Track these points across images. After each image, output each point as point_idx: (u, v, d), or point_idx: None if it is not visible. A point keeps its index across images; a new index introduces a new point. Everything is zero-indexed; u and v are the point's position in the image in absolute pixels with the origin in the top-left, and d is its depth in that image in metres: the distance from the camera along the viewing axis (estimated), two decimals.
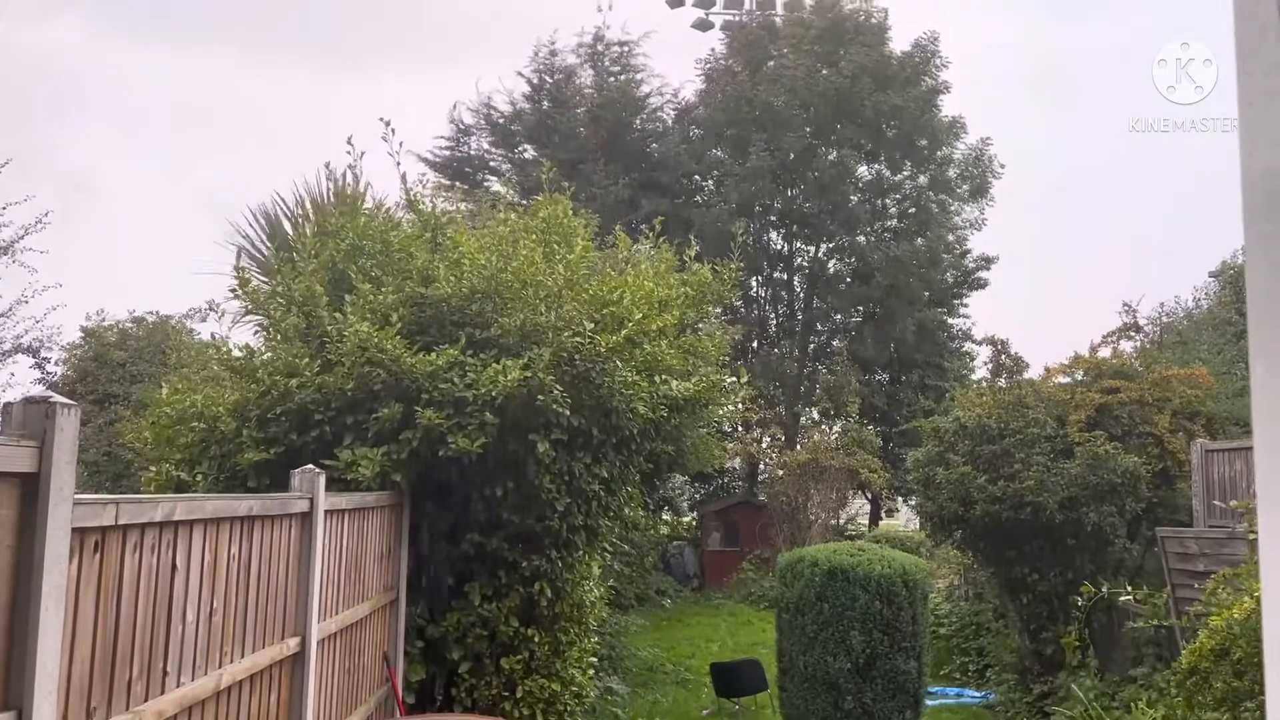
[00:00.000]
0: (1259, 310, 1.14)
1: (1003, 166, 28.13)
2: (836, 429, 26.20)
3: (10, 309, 11.24)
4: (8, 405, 2.59)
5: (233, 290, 7.98)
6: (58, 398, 2.64)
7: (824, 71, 26.13)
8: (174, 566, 3.45)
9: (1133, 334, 14.76)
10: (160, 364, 16.16)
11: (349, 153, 8.93)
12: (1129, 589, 10.28)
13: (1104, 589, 10.08)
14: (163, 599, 3.37)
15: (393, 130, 8.81)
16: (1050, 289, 53.23)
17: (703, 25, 30.69)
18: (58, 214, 11.04)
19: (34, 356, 12.69)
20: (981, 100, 58.47)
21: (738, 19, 29.93)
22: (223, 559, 3.91)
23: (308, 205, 9.87)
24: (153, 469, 7.62)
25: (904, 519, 27.61)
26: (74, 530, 2.69)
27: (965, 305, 29.56)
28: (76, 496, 2.68)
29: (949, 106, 27.72)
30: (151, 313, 18.79)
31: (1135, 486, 11.91)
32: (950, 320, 29.19)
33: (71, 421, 2.65)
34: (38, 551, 2.50)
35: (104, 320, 18.24)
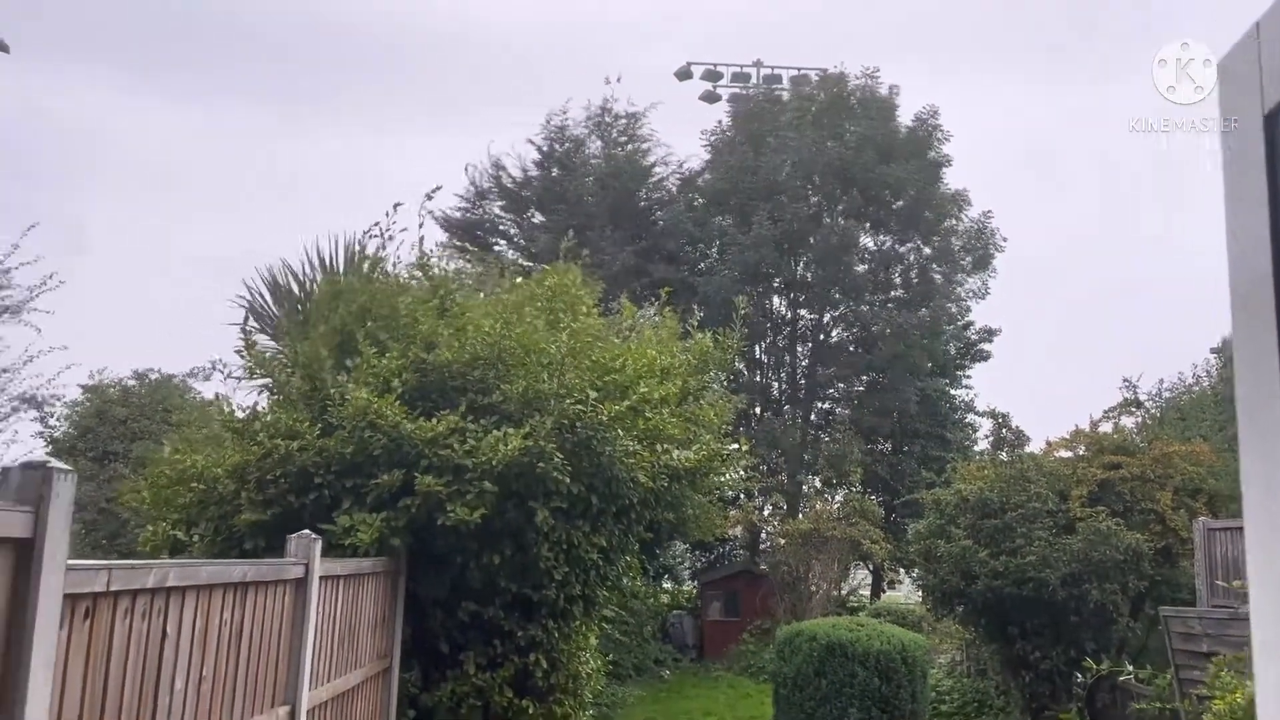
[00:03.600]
0: (1247, 403, 1.16)
1: (1005, 239, 28.38)
2: (839, 498, 26.02)
3: (17, 366, 11.28)
4: (6, 470, 2.59)
5: (238, 351, 8.03)
6: (55, 463, 2.65)
7: (829, 144, 26.51)
8: (164, 633, 3.42)
9: (1134, 409, 14.75)
10: (162, 422, 16.17)
11: (379, 223, 8.96)
12: (1131, 668, 10.12)
13: (1104, 666, 9.93)
14: (152, 666, 3.34)
15: (430, 196, 8.93)
16: (1052, 362, 53.27)
17: (710, 98, 31.28)
18: (65, 272, 11.13)
19: (38, 410, 12.73)
20: (988, 172, 59.18)
21: (744, 92, 30.51)
22: (214, 625, 3.87)
23: (317, 268, 9.96)
24: (150, 528, 7.57)
25: (905, 592, 27.28)
26: (66, 597, 2.68)
27: (968, 376, 29.60)
28: (69, 562, 2.67)
29: (954, 178, 28.10)
30: (154, 370, 18.85)
31: (1138, 564, 11.80)
32: (953, 391, 29.19)
33: (67, 487, 2.65)
34: (29, 619, 2.48)
35: (105, 377, 18.29)
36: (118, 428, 17.01)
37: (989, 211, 28.39)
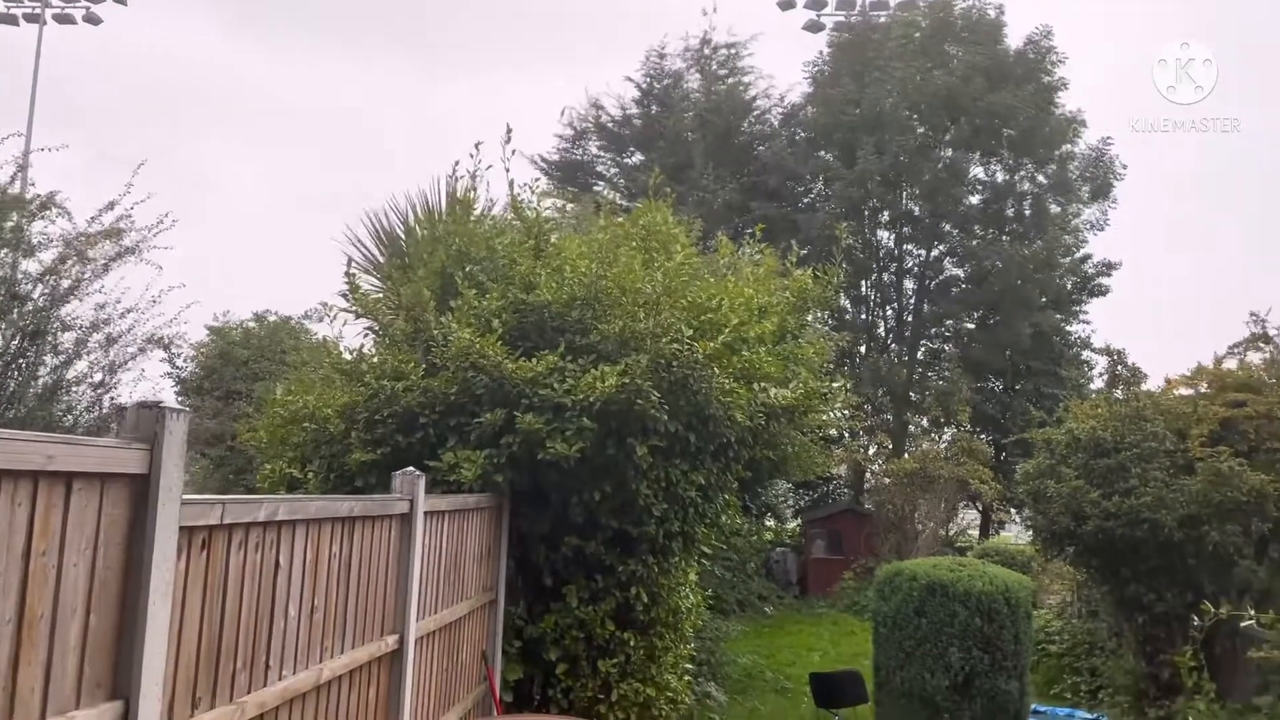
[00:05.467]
0: None
1: (1125, 167, 27.02)
2: (946, 437, 25.58)
3: (143, 306, 11.64)
4: (121, 409, 2.75)
5: (343, 294, 8.27)
6: (168, 403, 2.79)
7: (935, 72, 25.57)
8: (277, 564, 3.60)
9: (1261, 345, 13.95)
10: (280, 363, 16.82)
11: (472, 156, 8.96)
12: (1253, 613, 9.75)
13: (1223, 611, 9.61)
14: (266, 595, 3.52)
15: (510, 136, 8.90)
16: (1174, 298, 50.75)
17: (814, 27, 30.49)
18: (177, 212, 11.36)
19: (165, 350, 13.19)
20: (1107, 94, 56.17)
21: (849, 19, 29.58)
22: (324, 558, 4.06)
23: (418, 211, 10.15)
24: (267, 466, 7.97)
25: (1015, 533, 26.77)
26: (182, 529, 2.84)
27: (1085, 312, 28.44)
28: (184, 497, 2.83)
29: (1070, 102, 26.79)
30: (272, 312, 19.58)
31: (1263, 505, 11.28)
32: (1069, 327, 28.12)
33: (180, 426, 2.80)
34: (147, 549, 2.65)
35: (228, 320, 19.09)
36: (240, 368, 17.76)
37: (1108, 138, 27.07)
